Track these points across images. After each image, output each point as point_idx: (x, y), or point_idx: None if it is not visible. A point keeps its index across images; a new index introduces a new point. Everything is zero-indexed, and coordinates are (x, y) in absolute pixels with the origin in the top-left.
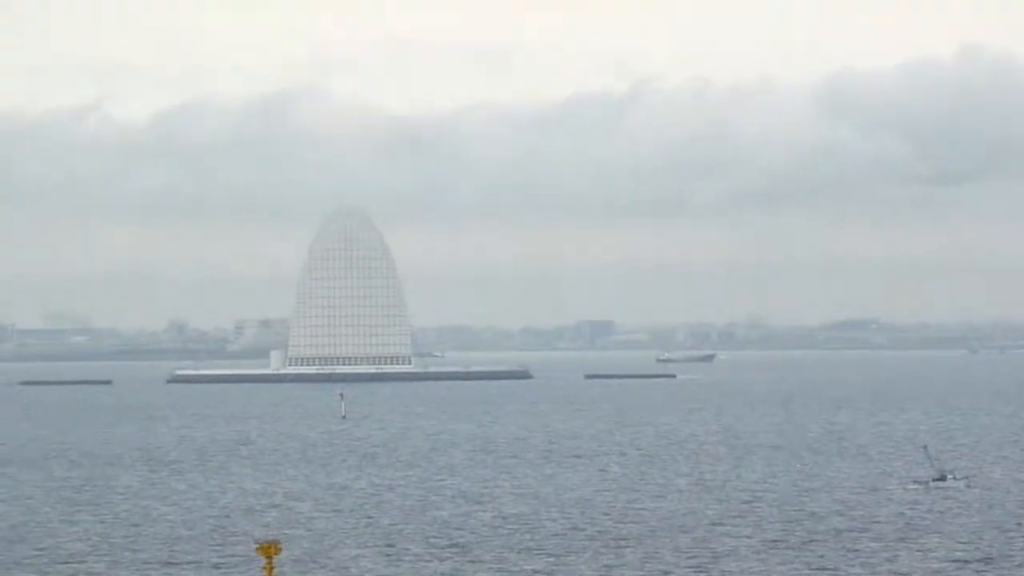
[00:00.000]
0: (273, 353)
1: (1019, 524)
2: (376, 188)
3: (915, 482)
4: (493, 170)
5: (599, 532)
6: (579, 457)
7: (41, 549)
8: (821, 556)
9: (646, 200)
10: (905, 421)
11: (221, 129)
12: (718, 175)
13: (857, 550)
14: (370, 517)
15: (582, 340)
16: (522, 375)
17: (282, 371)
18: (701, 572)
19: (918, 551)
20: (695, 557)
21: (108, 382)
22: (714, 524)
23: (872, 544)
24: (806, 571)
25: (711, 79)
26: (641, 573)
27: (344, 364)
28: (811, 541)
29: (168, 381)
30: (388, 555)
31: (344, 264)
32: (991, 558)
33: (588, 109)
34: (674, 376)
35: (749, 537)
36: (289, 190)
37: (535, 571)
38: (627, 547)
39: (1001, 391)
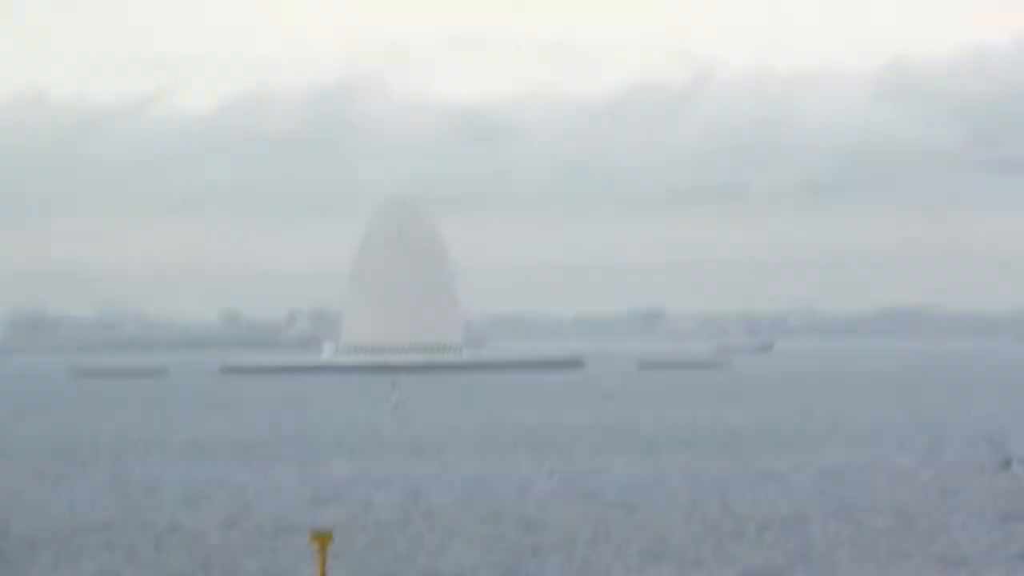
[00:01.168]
0: (325, 343)
1: None
2: (435, 178)
3: (980, 469)
4: (553, 159)
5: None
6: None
7: (110, 537)
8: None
9: (703, 188)
10: (969, 410)
11: (282, 121)
12: (777, 164)
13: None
14: (424, 506)
15: (634, 329)
16: (575, 364)
17: (334, 360)
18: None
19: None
20: (784, 551)
21: (163, 372)
22: (795, 517)
23: (943, 534)
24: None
25: (772, 66)
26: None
27: (396, 353)
28: (892, 527)
29: (221, 371)
30: (444, 545)
31: (396, 253)
32: None
33: (649, 97)
34: (728, 365)
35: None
36: (347, 181)
37: (590, 558)
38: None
39: None
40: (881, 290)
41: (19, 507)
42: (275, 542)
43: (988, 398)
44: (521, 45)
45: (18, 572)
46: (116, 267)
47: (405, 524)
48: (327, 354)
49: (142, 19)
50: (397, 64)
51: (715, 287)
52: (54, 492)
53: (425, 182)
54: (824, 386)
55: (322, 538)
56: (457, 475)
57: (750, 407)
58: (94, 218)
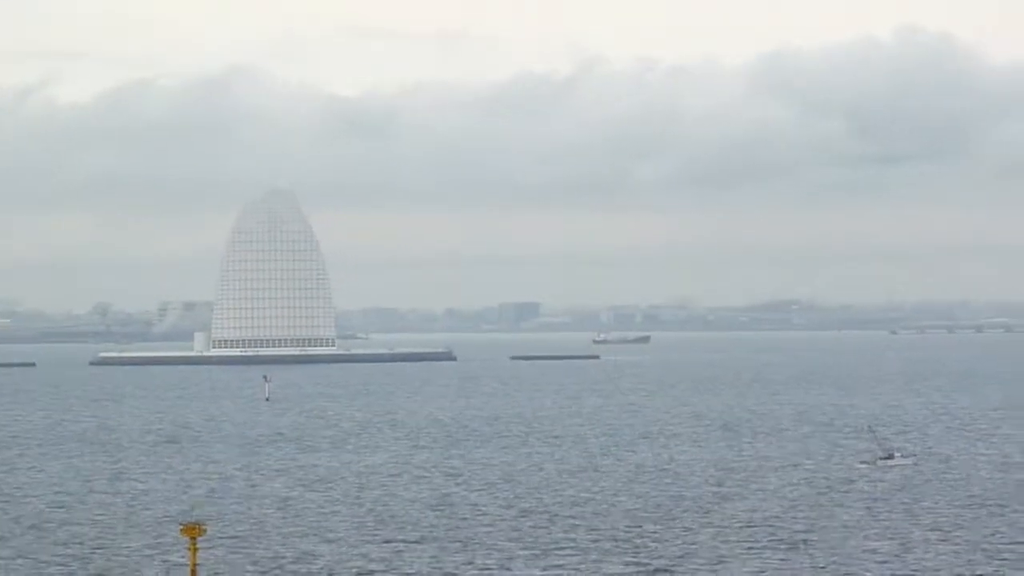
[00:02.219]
0: (197, 335)
1: (972, 496)
2: (312, 170)
3: (862, 462)
4: (433, 152)
5: (524, 510)
6: (504, 438)
7: None
8: (787, 533)
9: (583, 182)
10: (841, 402)
11: (162, 111)
12: (657, 156)
13: (819, 527)
14: (294, 498)
15: (506, 322)
16: (446, 356)
17: (206, 353)
18: (638, 552)
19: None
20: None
21: (32, 364)
22: (672, 508)
23: (833, 516)
24: (772, 550)
25: (655, 59)
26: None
27: (268, 346)
28: (772, 516)
29: (92, 363)
30: (314, 535)
31: (268, 246)
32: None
33: (533, 90)
34: (598, 357)
35: (713, 515)
36: (224, 172)
37: (453, 543)
38: (548, 523)
39: (925, 372)
40: (750, 283)
41: None
42: (148, 534)
43: (868, 389)
44: (408, 37)
45: None
46: None
47: (279, 516)
48: (199, 346)
49: (22, 10)
50: (281, 54)
51: (588, 280)
52: None
53: (303, 174)
54: (704, 378)
55: (193, 531)
56: (331, 465)
57: (619, 397)
58: None
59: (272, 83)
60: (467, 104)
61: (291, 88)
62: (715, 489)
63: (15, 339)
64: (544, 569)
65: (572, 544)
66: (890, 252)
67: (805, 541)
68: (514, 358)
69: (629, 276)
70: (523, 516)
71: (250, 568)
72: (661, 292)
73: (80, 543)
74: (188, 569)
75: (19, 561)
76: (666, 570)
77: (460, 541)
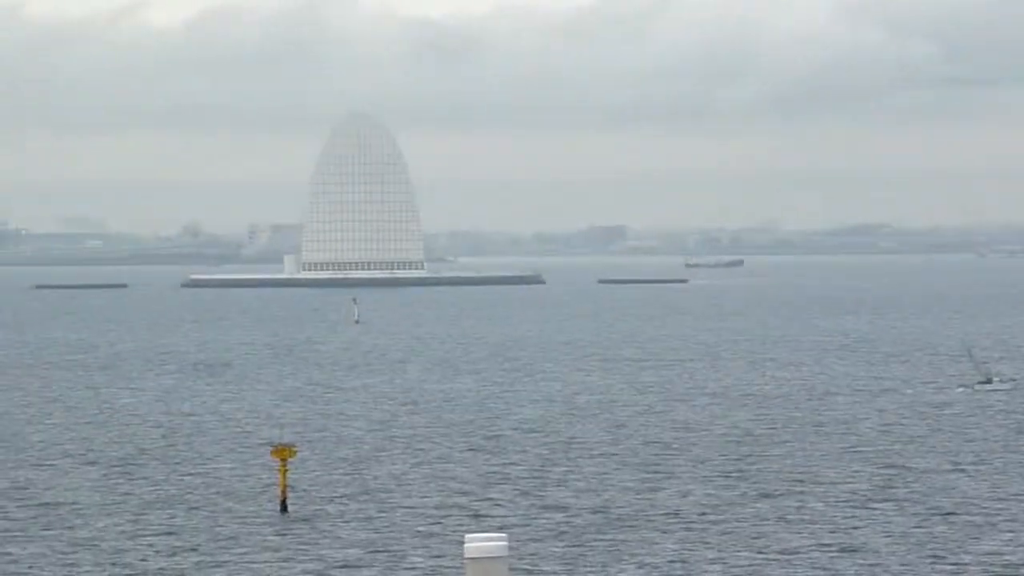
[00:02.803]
0: (286, 258)
1: None
2: (399, 93)
3: (961, 385)
4: (518, 76)
5: (622, 437)
6: (599, 362)
7: (67, 451)
8: (884, 458)
9: (667, 105)
10: (938, 325)
11: (250, 35)
12: (743, 79)
13: (910, 453)
14: (385, 422)
15: (594, 245)
16: (535, 280)
17: (295, 276)
18: (742, 477)
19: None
20: (737, 458)
21: (124, 286)
22: (750, 432)
23: (926, 444)
24: (869, 471)
25: None
26: (646, 476)
27: (357, 269)
28: (861, 444)
29: (183, 285)
30: (408, 458)
31: (356, 169)
32: None
33: (616, 13)
34: (686, 281)
35: (811, 443)
36: (312, 96)
37: (548, 474)
38: (646, 455)
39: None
40: (837, 207)
41: (19, 418)
42: (239, 456)
43: (962, 313)
44: None
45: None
46: (80, 181)
47: (366, 440)
48: (288, 269)
49: None
50: None
51: (676, 204)
52: (33, 408)
53: (389, 97)
54: (798, 302)
55: (284, 453)
56: (418, 390)
57: (723, 322)
58: (61, 132)
59: (358, 7)
60: (552, 27)
61: (376, 12)
62: (814, 415)
63: (106, 261)
64: (662, 503)
65: (680, 470)
66: (977, 175)
67: (904, 468)
68: (602, 281)
69: (715, 200)
70: (620, 442)
71: (340, 490)
72: (746, 216)
73: (177, 463)
74: (278, 490)
75: (118, 480)
76: (768, 495)
77: (560, 464)
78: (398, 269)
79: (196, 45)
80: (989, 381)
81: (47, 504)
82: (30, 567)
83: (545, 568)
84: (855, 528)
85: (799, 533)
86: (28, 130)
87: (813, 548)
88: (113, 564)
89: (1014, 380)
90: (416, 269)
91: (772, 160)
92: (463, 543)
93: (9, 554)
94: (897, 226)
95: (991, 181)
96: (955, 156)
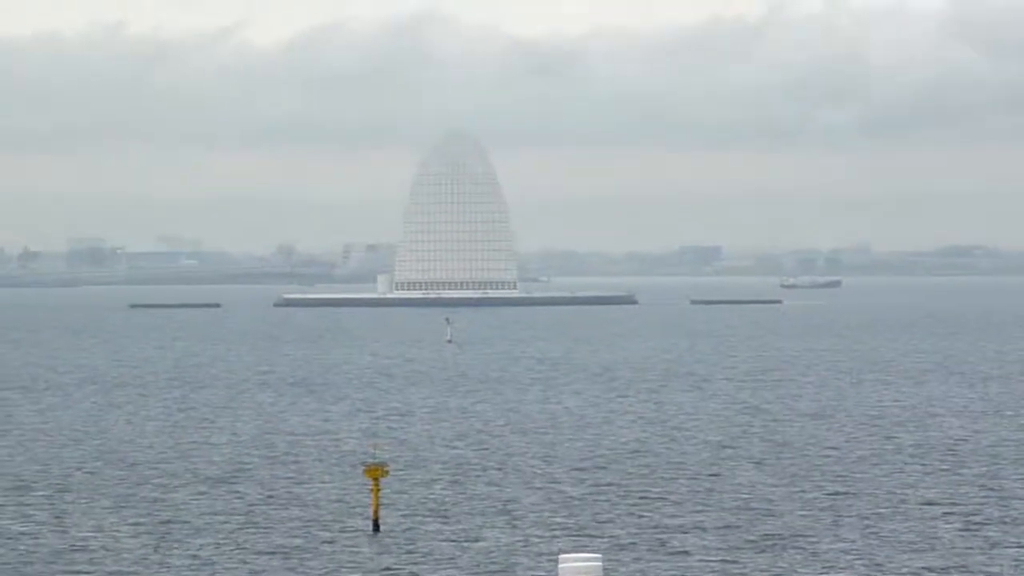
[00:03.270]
0: (380, 277)
1: None
2: (495, 112)
3: None
4: (616, 95)
5: (720, 459)
6: (696, 383)
7: (170, 474)
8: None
9: (766, 126)
10: None
11: (351, 54)
12: (842, 100)
13: None
14: (481, 441)
15: (687, 265)
16: (628, 300)
17: (389, 295)
18: (849, 492)
19: None
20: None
21: (217, 305)
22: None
23: None
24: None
25: (844, 3)
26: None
27: (449, 289)
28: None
29: (276, 304)
30: (503, 477)
31: (450, 188)
32: None
33: (720, 33)
34: (781, 302)
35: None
36: (409, 116)
37: (651, 497)
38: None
39: None
40: (933, 228)
41: (111, 436)
42: (333, 475)
43: None
44: None
45: (105, 493)
46: (176, 199)
47: (461, 459)
48: (381, 288)
49: None
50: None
51: (769, 224)
52: (128, 421)
53: (485, 116)
54: (909, 323)
55: (376, 472)
56: (515, 410)
57: (819, 342)
58: (158, 150)
59: (458, 26)
60: (652, 47)
61: (475, 31)
62: (919, 435)
63: (201, 280)
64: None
65: (777, 491)
66: None
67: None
68: (694, 302)
69: (811, 220)
70: (707, 465)
71: (434, 510)
72: (842, 237)
73: (274, 482)
74: (371, 509)
75: (216, 499)
76: (867, 516)
77: (656, 485)
78: (491, 289)
79: (295, 64)
80: None
81: (163, 521)
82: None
83: None
84: (967, 550)
85: (904, 552)
86: (126, 147)
87: (923, 569)
88: None
89: None
90: (509, 289)
91: (869, 181)
92: (558, 563)
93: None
94: (991, 247)
95: None
96: None
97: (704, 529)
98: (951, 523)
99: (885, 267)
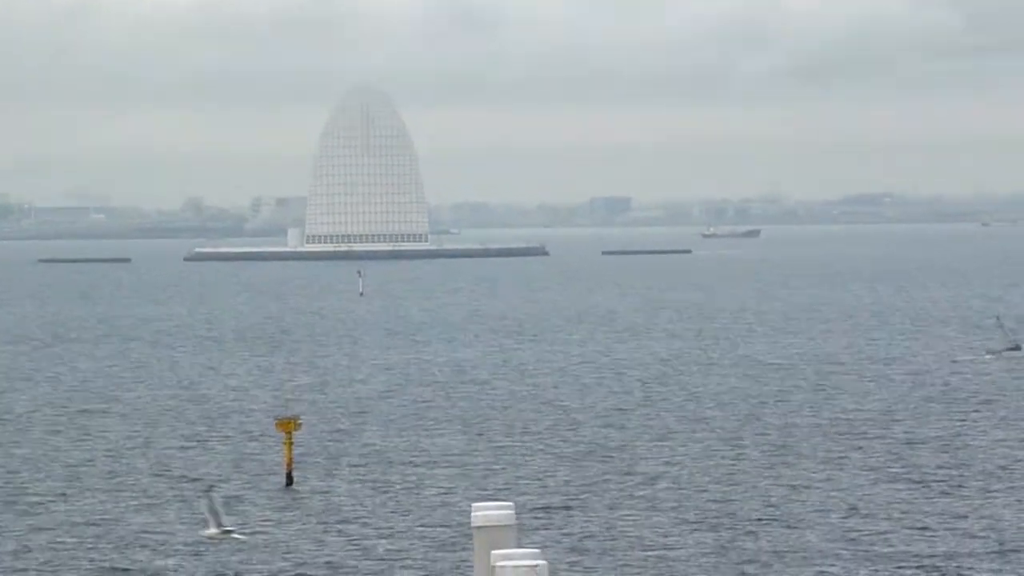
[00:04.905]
0: (290, 231)
1: None
2: (411, 65)
3: (989, 352)
4: (526, 47)
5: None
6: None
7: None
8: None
9: (685, 75)
10: (959, 295)
11: (262, 9)
12: (763, 49)
13: (938, 420)
14: (395, 393)
15: (598, 217)
16: (539, 251)
17: (299, 249)
18: (736, 439)
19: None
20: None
21: (127, 260)
22: (779, 398)
23: (953, 412)
24: (881, 443)
25: None
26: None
27: (361, 242)
28: (890, 410)
29: (186, 259)
30: (410, 430)
31: (361, 142)
32: None
33: None
34: (690, 252)
35: (819, 409)
36: (323, 68)
37: (562, 447)
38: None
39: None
40: (840, 177)
41: (16, 384)
42: (245, 428)
43: (984, 281)
44: None
45: (16, 439)
46: (84, 154)
47: (375, 411)
48: (292, 242)
49: None
50: None
51: (680, 175)
52: (45, 372)
53: (400, 70)
54: (819, 272)
55: (288, 425)
56: (428, 361)
57: (729, 292)
58: (68, 106)
59: None
60: (562, 1)
61: None
62: (828, 382)
63: (110, 234)
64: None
65: (685, 433)
66: (981, 143)
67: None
68: (606, 253)
69: (721, 170)
70: (607, 415)
71: (345, 462)
72: (753, 186)
73: (185, 436)
74: (284, 463)
75: (133, 451)
76: (772, 465)
77: (567, 435)
78: (402, 242)
79: (209, 15)
80: (1018, 348)
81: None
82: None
83: (554, 534)
84: (866, 496)
85: (804, 501)
86: (33, 103)
87: (818, 513)
88: (135, 537)
89: None
90: (420, 242)
91: (778, 131)
92: (470, 512)
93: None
94: (899, 195)
95: (995, 150)
96: (960, 126)
97: (609, 477)
98: (859, 472)
99: (793, 216)
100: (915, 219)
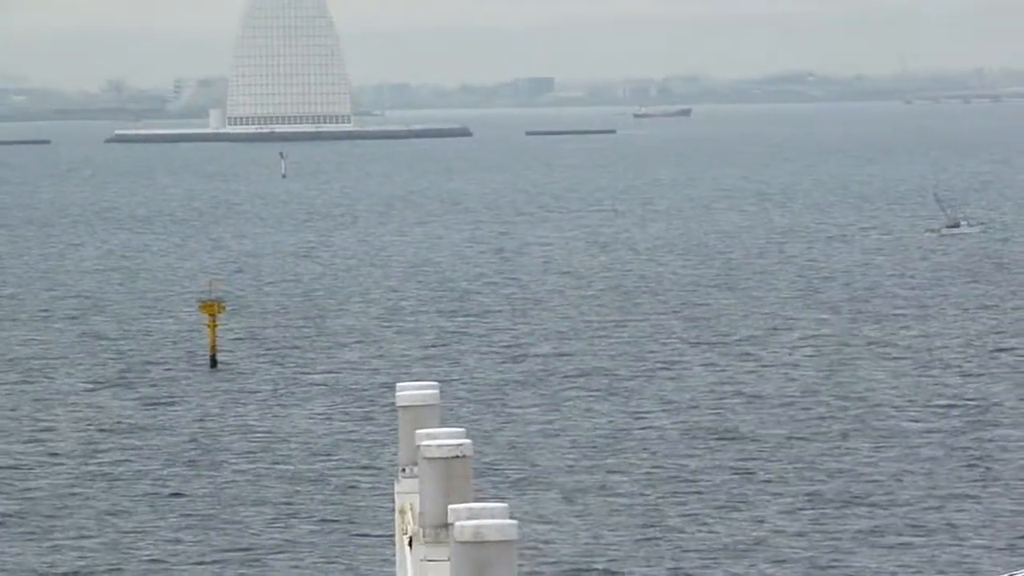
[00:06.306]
0: (212, 112)
1: None
2: None
3: (928, 230)
4: None
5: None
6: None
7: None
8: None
9: None
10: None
11: None
12: None
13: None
14: (320, 275)
15: (521, 97)
16: (462, 132)
17: (222, 130)
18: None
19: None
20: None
21: (47, 142)
22: (728, 275)
23: (897, 292)
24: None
25: None
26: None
27: (283, 123)
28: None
29: (107, 141)
30: (341, 313)
31: (282, 23)
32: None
33: None
34: (614, 132)
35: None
36: None
37: (499, 328)
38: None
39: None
40: (763, 55)
41: None
42: (171, 311)
43: (916, 159)
44: None
45: None
46: (3, 36)
47: (300, 294)
48: (214, 123)
49: None
50: None
51: (602, 54)
52: None
53: None
54: (750, 150)
55: (212, 308)
56: (356, 243)
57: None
58: None
59: None
60: None
61: None
62: (780, 255)
63: (29, 116)
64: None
65: (640, 314)
66: (903, 18)
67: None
68: (529, 133)
69: (643, 49)
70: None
71: (271, 345)
72: (675, 65)
73: (109, 318)
74: (208, 345)
75: (59, 332)
76: (728, 340)
77: (505, 316)
78: (325, 123)
79: None
80: (957, 225)
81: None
82: None
83: (477, 413)
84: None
85: (763, 378)
86: None
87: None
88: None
89: (983, 224)
90: (343, 123)
91: (699, 10)
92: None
93: None
94: (821, 74)
95: (915, 25)
96: (884, 2)
97: (547, 356)
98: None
99: (715, 95)
100: (838, 97)
